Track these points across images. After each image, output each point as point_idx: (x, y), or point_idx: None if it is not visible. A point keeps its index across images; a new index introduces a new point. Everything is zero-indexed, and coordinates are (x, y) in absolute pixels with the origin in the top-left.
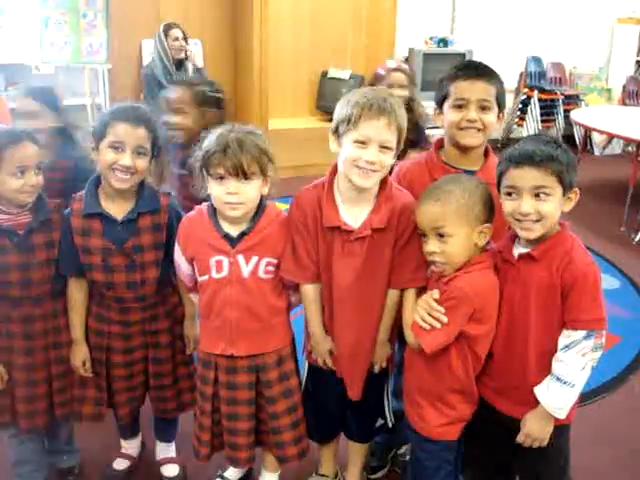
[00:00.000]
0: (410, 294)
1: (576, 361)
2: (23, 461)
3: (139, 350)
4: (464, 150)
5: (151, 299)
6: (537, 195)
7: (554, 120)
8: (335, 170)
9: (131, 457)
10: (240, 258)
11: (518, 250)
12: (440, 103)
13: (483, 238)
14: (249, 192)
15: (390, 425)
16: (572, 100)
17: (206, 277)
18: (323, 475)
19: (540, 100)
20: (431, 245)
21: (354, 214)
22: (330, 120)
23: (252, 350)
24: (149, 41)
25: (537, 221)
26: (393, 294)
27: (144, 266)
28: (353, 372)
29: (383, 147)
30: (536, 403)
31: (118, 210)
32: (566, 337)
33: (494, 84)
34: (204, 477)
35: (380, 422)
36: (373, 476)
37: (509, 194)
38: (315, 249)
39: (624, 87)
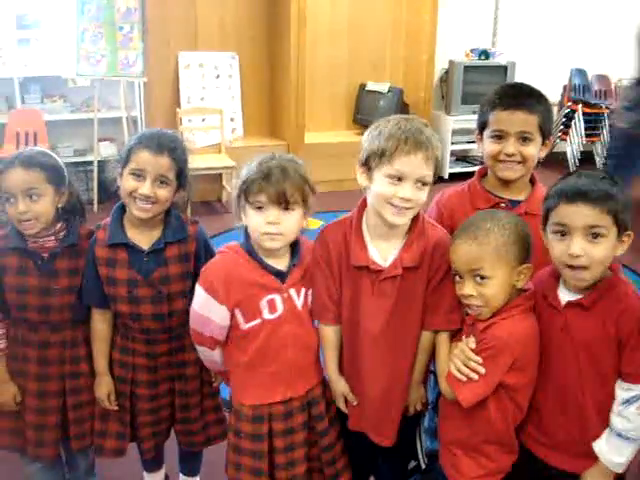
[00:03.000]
0: (444, 339)
1: (639, 417)
2: None
3: (165, 383)
4: (503, 182)
5: (178, 330)
6: (590, 235)
7: (599, 134)
8: (364, 205)
9: None
10: (292, 292)
11: (565, 296)
12: (480, 129)
13: (523, 279)
14: (289, 223)
15: (423, 467)
16: None
17: (257, 321)
18: None
19: (584, 114)
20: (467, 287)
21: (383, 252)
22: None
23: (307, 386)
24: (185, 54)
25: (585, 268)
26: (427, 335)
27: (171, 297)
28: (385, 417)
29: (419, 182)
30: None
31: (144, 239)
32: (626, 390)
33: (537, 113)
34: None
35: (413, 464)
36: None
37: (559, 233)
38: (338, 289)
39: None
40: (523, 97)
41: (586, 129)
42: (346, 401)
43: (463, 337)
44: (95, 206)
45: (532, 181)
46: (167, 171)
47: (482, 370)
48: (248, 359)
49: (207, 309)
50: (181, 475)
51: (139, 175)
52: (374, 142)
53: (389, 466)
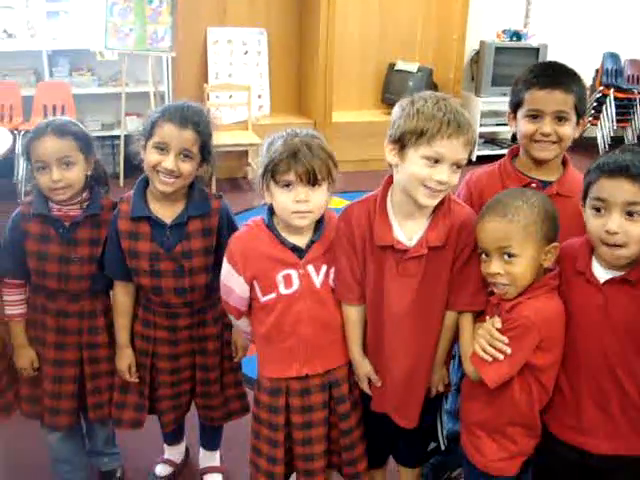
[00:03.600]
0: (467, 320)
1: None
2: (61, 460)
3: (186, 356)
4: (537, 162)
5: (199, 304)
6: (629, 212)
7: (630, 120)
8: (389, 183)
9: (174, 463)
10: (310, 269)
11: (600, 273)
12: (514, 108)
13: (550, 258)
14: (318, 199)
15: (443, 448)
16: None
17: (273, 295)
18: None
19: (616, 99)
20: (494, 266)
21: (408, 231)
22: None
23: (327, 365)
24: (214, 29)
25: (621, 246)
26: (451, 316)
27: (193, 272)
28: (408, 399)
29: (455, 166)
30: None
31: (167, 213)
32: None
33: (573, 92)
34: None
35: (433, 445)
36: None
37: (597, 209)
38: (361, 269)
39: None
40: (560, 76)
41: (617, 114)
42: (369, 383)
43: (487, 317)
44: (121, 180)
45: (564, 163)
46: (191, 145)
47: (508, 350)
48: (265, 332)
49: (229, 279)
50: (201, 449)
51: (162, 149)
52: (411, 120)
53: (409, 447)
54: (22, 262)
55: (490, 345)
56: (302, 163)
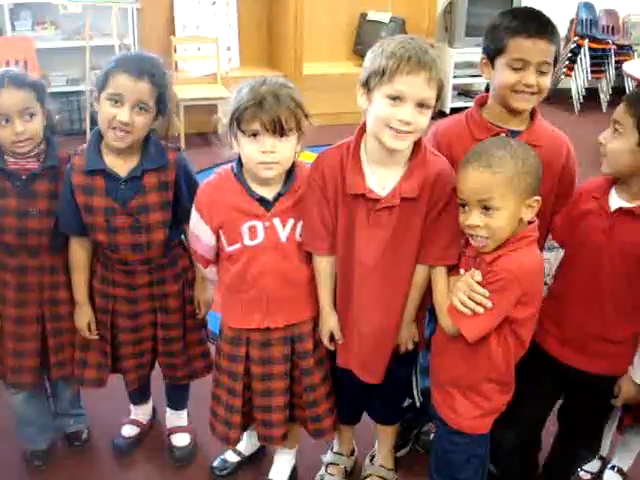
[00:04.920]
0: (441, 273)
1: None
2: (26, 422)
3: (147, 314)
4: (514, 112)
5: (158, 261)
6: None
7: (604, 71)
8: (363, 130)
9: (141, 424)
10: (276, 222)
11: (616, 202)
12: (491, 55)
13: (530, 212)
14: (285, 150)
15: (418, 405)
16: (624, 51)
17: (238, 246)
18: (339, 453)
19: (591, 49)
20: (474, 217)
21: (382, 180)
22: None
23: (289, 320)
24: None
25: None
26: (421, 270)
27: (150, 227)
28: (374, 355)
29: (420, 105)
30: (615, 359)
31: (122, 167)
32: None
33: (555, 42)
34: (215, 448)
35: (408, 401)
36: (396, 454)
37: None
38: (332, 218)
39: None
40: (545, 25)
41: (592, 65)
42: (332, 339)
43: (461, 270)
44: (87, 136)
45: (532, 114)
46: (147, 97)
47: (488, 303)
48: (229, 282)
49: (196, 227)
50: (168, 409)
51: (117, 100)
52: (375, 61)
53: (382, 403)
54: None
55: (470, 298)
56: (268, 112)
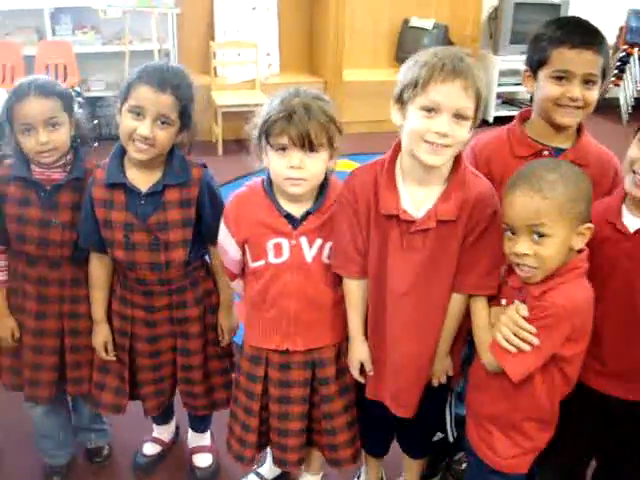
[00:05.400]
0: (482, 304)
1: None
2: (45, 436)
3: (166, 339)
4: (558, 128)
5: (178, 283)
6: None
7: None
8: (398, 147)
9: (163, 442)
10: (303, 241)
11: (631, 222)
12: (535, 67)
13: (581, 241)
14: (314, 166)
15: (451, 440)
16: None
17: (262, 262)
18: None
19: None
20: (522, 245)
21: (417, 200)
22: None
23: (310, 344)
24: None
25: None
26: (458, 300)
27: (169, 246)
28: (405, 387)
29: (458, 116)
30: None
31: (143, 181)
32: None
33: (602, 54)
34: (238, 470)
35: (438, 436)
36: None
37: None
38: (364, 239)
39: None
40: (591, 35)
41: None
42: (363, 371)
43: (502, 301)
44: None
45: (578, 131)
46: (169, 110)
47: (535, 341)
48: (251, 298)
49: (223, 240)
50: (190, 430)
51: (138, 113)
52: (408, 73)
53: (411, 436)
54: (1, 227)
55: (515, 335)
56: (297, 125)
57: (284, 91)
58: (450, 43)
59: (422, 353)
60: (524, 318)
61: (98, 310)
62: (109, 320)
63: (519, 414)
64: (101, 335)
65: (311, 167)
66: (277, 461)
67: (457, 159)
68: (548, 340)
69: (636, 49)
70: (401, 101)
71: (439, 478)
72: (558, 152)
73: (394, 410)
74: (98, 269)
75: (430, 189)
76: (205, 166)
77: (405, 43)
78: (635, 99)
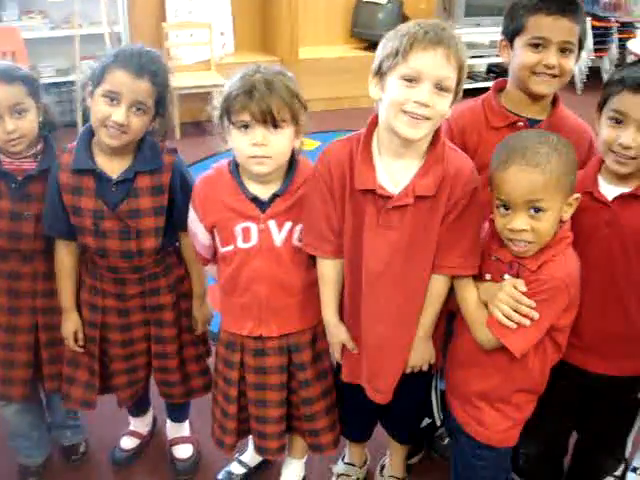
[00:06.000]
0: (468, 282)
1: None
2: (19, 435)
3: (139, 327)
4: (534, 97)
5: (150, 270)
6: None
7: (607, 49)
8: (374, 122)
9: (140, 435)
10: (272, 224)
11: (607, 191)
12: (511, 35)
13: (569, 211)
14: (278, 143)
15: (439, 424)
16: (627, 28)
17: (231, 247)
18: (350, 464)
19: (593, 27)
20: (520, 221)
21: (395, 176)
22: (366, 48)
23: (284, 329)
24: None
25: (633, 158)
26: (441, 282)
27: (140, 233)
28: (381, 371)
29: (439, 86)
30: None
31: (114, 167)
32: None
33: (579, 22)
34: (220, 459)
35: (426, 421)
36: (409, 461)
37: (614, 120)
38: (339, 217)
39: None
40: (568, 2)
41: (594, 44)
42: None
43: (487, 276)
44: (79, 128)
45: (554, 102)
46: (146, 97)
47: (536, 315)
48: (224, 283)
49: (194, 225)
50: (168, 421)
51: (113, 99)
52: (388, 44)
53: (395, 423)
54: None
55: (515, 310)
56: (257, 101)
57: (245, 68)
58: (405, 17)
59: (399, 337)
60: (522, 293)
61: (67, 298)
62: (78, 312)
63: (511, 387)
64: (71, 323)
65: (275, 144)
66: (257, 449)
67: (436, 134)
68: (548, 313)
69: (588, 18)
70: (380, 73)
71: (422, 455)
72: (533, 123)
73: (371, 395)
74: (65, 257)
75: (408, 164)
76: (176, 151)
77: (360, 19)
78: (589, 68)
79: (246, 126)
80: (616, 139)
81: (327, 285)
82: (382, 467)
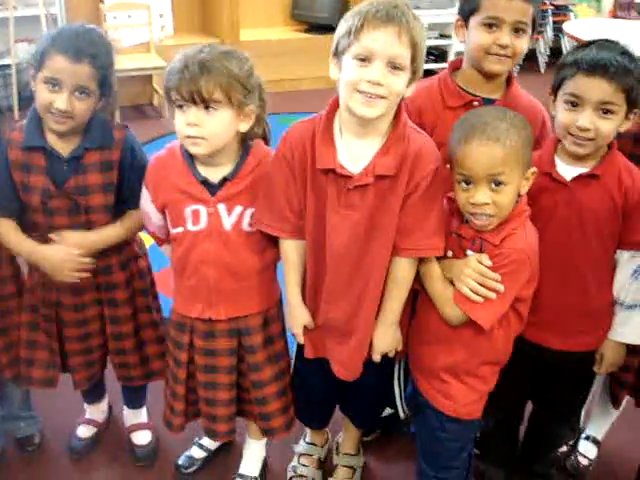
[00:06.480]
0: (434, 262)
1: None
2: None
3: (92, 307)
4: (488, 77)
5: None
6: (601, 110)
7: (542, 32)
8: (335, 103)
9: (97, 423)
10: (221, 208)
11: (564, 171)
12: (466, 15)
13: (526, 185)
14: (213, 125)
15: (402, 416)
16: (561, 11)
17: (180, 229)
18: (312, 443)
19: None
20: (482, 195)
21: (355, 155)
22: (306, 30)
23: (233, 312)
24: None
25: (591, 139)
26: (406, 265)
27: (90, 210)
28: (347, 354)
29: (392, 65)
30: (596, 331)
31: (65, 146)
32: (632, 260)
33: (533, 3)
34: (180, 444)
35: (387, 412)
36: (366, 438)
37: (570, 103)
38: (299, 197)
39: None
40: None
41: None
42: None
43: (449, 253)
44: (16, 112)
45: (508, 81)
46: (87, 81)
47: (502, 288)
48: (174, 265)
49: (146, 204)
50: (125, 407)
51: (54, 84)
52: (344, 24)
53: (357, 408)
54: None
55: (481, 285)
56: (187, 82)
57: (194, 47)
58: (346, 0)
59: (362, 318)
60: (487, 267)
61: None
62: (32, 293)
63: (477, 359)
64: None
65: (210, 125)
66: (207, 431)
67: (397, 114)
68: (513, 285)
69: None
70: (337, 54)
71: (379, 432)
72: (488, 102)
73: (337, 370)
74: (10, 231)
75: (369, 144)
76: (126, 127)
77: (300, 1)
78: (550, 49)
79: (181, 106)
80: (573, 122)
81: (290, 266)
82: (337, 445)
